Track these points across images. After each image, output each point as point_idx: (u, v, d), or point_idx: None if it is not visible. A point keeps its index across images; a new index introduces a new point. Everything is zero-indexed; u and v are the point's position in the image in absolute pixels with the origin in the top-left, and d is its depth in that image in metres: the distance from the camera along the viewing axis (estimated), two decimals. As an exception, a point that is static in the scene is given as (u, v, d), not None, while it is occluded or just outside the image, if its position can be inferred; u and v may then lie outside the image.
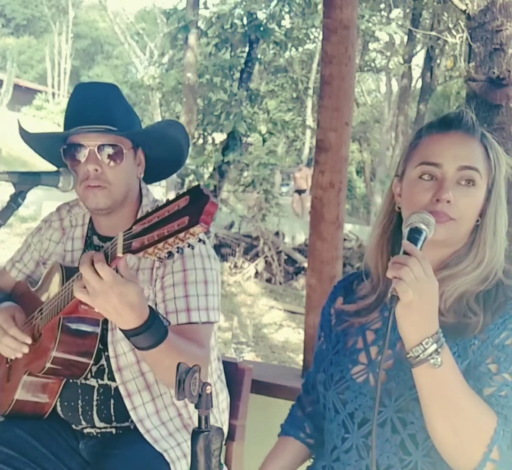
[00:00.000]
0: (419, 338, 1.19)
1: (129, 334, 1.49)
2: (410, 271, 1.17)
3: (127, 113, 1.82)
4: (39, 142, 1.89)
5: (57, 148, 1.80)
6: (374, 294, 1.48)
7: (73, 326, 1.72)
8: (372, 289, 1.49)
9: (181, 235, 1.21)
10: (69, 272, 1.72)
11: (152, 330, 1.48)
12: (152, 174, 1.93)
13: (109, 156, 1.76)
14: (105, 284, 1.40)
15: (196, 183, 12.36)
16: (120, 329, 1.51)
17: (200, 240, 1.24)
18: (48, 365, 1.71)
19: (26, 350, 1.75)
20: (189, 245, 1.24)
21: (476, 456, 1.20)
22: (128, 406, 1.77)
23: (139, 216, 1.82)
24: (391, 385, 1.32)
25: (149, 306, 1.50)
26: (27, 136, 1.86)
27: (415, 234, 1.27)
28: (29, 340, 1.75)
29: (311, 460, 1.57)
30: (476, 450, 1.20)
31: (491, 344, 1.28)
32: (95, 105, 1.78)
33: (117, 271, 1.43)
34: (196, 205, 1.20)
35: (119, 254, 1.35)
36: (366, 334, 1.44)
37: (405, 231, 1.29)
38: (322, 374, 1.47)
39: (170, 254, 1.27)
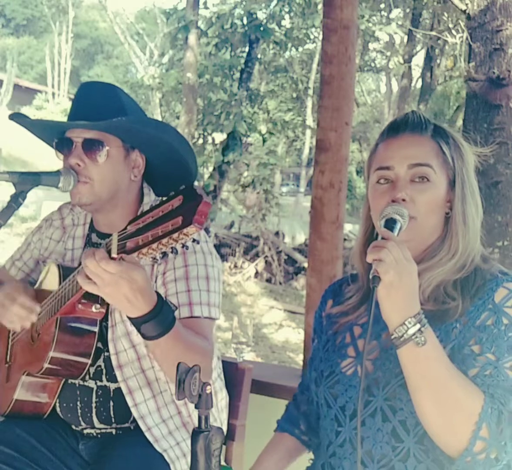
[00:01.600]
0: (402, 318, 1.22)
1: (139, 321, 1.48)
2: (389, 253, 1.21)
3: (120, 112, 1.79)
4: (39, 132, 1.90)
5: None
6: (358, 295, 1.51)
7: (71, 326, 1.72)
8: (357, 290, 1.53)
9: (175, 235, 1.21)
10: (66, 272, 1.72)
11: (160, 316, 1.48)
12: (162, 185, 1.91)
13: (92, 152, 1.75)
14: (114, 274, 1.39)
15: (196, 183, 12.35)
16: (130, 319, 1.50)
17: (194, 240, 1.24)
18: (46, 365, 1.71)
19: (34, 318, 1.74)
20: (183, 246, 1.24)
21: (465, 435, 1.21)
22: (130, 403, 1.77)
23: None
24: (378, 375, 1.34)
25: (156, 292, 1.50)
26: (26, 124, 1.87)
27: (390, 224, 1.31)
28: (38, 308, 1.74)
29: (310, 461, 1.57)
30: (465, 429, 1.21)
31: (473, 326, 1.30)
32: (86, 102, 1.79)
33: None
34: (189, 205, 1.20)
35: (114, 255, 1.35)
36: (354, 329, 1.48)
37: (381, 222, 1.33)
38: (314, 372, 1.50)
39: (164, 254, 1.27)
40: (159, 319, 1.48)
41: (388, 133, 1.46)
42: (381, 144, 1.46)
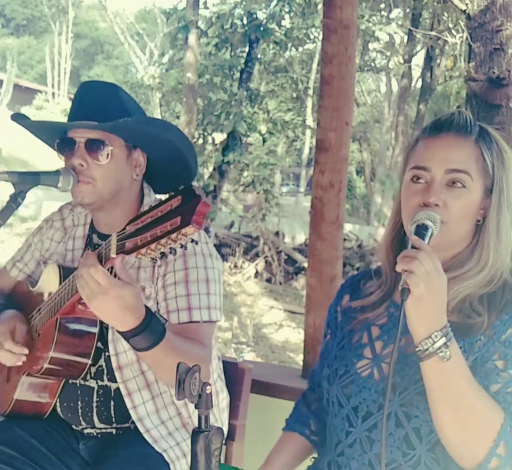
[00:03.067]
0: (428, 331, 1.21)
1: (127, 335, 1.49)
2: (420, 264, 1.18)
3: (122, 112, 1.79)
4: (41, 133, 1.90)
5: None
6: (381, 291, 1.49)
7: (71, 326, 1.72)
8: (379, 286, 1.50)
9: (174, 235, 1.21)
10: (66, 272, 1.72)
11: (149, 330, 1.48)
12: (162, 183, 1.91)
13: (95, 152, 1.75)
14: (101, 287, 1.40)
15: (196, 182, 12.35)
16: (117, 331, 1.51)
17: (192, 240, 1.23)
18: (46, 365, 1.71)
19: (24, 359, 1.76)
20: (181, 246, 1.24)
21: (482, 451, 1.21)
22: (128, 404, 1.77)
23: None
24: (395, 379, 1.33)
25: (145, 306, 1.50)
26: (27, 125, 1.87)
27: (422, 230, 1.28)
28: (25, 351, 1.75)
29: (312, 459, 1.57)
30: (482, 445, 1.21)
31: (498, 340, 1.29)
32: (88, 102, 1.79)
33: (113, 273, 1.43)
34: (188, 205, 1.20)
35: (113, 255, 1.35)
36: (372, 330, 1.45)
37: (412, 227, 1.30)
38: (327, 369, 1.48)
39: (163, 254, 1.27)
40: (147, 332, 1.48)
41: (431, 131, 1.41)
42: (422, 142, 1.42)
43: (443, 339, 1.20)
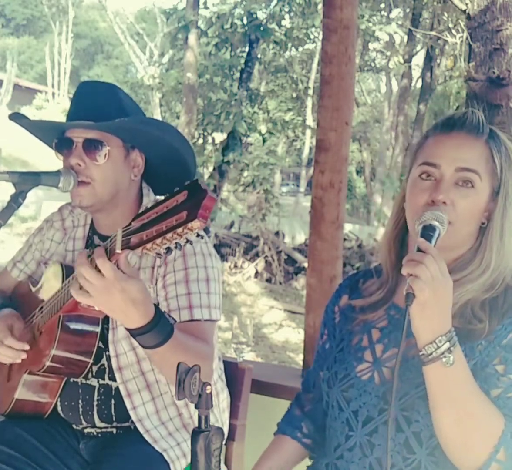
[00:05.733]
0: (433, 336, 1.20)
1: (135, 333, 1.48)
2: (426, 269, 1.17)
3: (120, 112, 1.79)
4: (39, 132, 1.90)
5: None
6: (382, 291, 1.47)
7: (73, 324, 1.72)
8: (380, 285, 1.48)
9: (179, 230, 1.21)
10: (68, 271, 1.72)
11: (158, 328, 1.48)
12: (161, 184, 1.91)
13: (93, 152, 1.75)
14: (107, 280, 1.38)
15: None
16: (126, 329, 1.50)
17: (198, 235, 1.23)
18: (48, 363, 1.71)
19: (24, 356, 1.76)
20: (187, 241, 1.24)
21: (482, 456, 1.20)
22: (128, 405, 1.77)
23: None
24: (396, 384, 1.32)
25: (154, 304, 1.49)
26: (25, 125, 1.87)
27: (428, 232, 1.26)
28: (26, 347, 1.75)
29: (312, 459, 1.56)
30: (482, 451, 1.20)
31: (498, 345, 1.28)
32: (86, 102, 1.79)
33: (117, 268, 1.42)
34: (194, 200, 1.20)
35: (118, 250, 1.35)
36: (372, 332, 1.44)
37: (418, 228, 1.28)
38: (326, 372, 1.46)
39: (168, 249, 1.26)
40: (156, 331, 1.47)
41: (443, 128, 1.38)
42: (432, 138, 1.39)
43: (447, 344, 1.19)
